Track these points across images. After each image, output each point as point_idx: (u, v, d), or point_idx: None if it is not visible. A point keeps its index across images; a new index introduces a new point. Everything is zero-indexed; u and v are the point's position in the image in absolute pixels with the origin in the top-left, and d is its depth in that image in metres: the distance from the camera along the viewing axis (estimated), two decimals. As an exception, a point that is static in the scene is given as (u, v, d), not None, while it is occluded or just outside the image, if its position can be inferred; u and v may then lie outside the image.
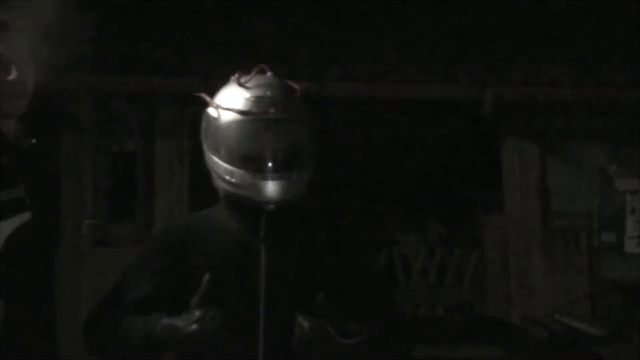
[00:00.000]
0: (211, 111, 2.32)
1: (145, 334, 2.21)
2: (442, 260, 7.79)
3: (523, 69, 7.31)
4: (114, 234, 6.90)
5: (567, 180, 7.28)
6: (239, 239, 2.32)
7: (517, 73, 7.28)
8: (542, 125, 7.32)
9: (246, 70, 2.34)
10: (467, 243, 7.79)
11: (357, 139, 8.02)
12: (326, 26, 7.52)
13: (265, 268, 2.28)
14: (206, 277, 2.18)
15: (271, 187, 2.23)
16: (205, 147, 2.34)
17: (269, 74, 2.36)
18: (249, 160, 2.24)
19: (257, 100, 2.27)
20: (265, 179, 2.23)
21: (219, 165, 2.28)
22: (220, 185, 2.32)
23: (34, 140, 2.26)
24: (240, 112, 2.26)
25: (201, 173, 2.43)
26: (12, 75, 2.18)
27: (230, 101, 2.29)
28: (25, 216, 2.16)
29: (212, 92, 2.37)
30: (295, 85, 2.36)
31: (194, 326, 2.14)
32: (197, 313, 2.15)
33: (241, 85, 2.30)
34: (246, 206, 2.28)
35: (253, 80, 2.32)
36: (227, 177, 2.27)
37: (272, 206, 2.26)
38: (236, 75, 2.33)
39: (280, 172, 2.24)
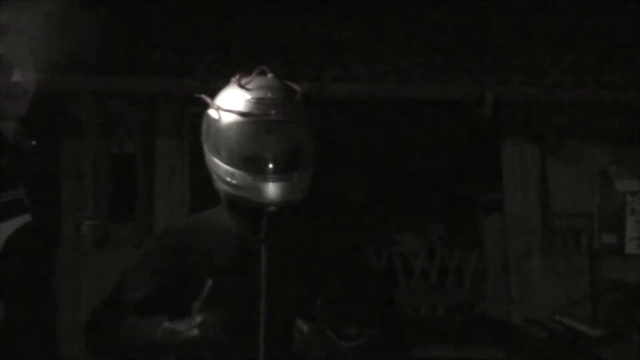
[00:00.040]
0: (212, 112, 2.32)
1: (147, 337, 2.22)
2: (442, 261, 7.79)
3: (523, 69, 7.30)
4: (114, 235, 6.90)
5: (567, 180, 7.27)
6: (239, 241, 2.31)
7: (517, 73, 7.27)
8: (542, 125, 7.31)
9: (247, 72, 2.34)
10: (467, 243, 7.78)
11: (357, 139, 8.01)
12: (326, 27, 7.51)
13: (266, 269, 2.28)
14: (209, 282, 2.18)
15: (272, 189, 2.23)
16: (205, 148, 2.33)
17: (269, 75, 2.36)
18: (250, 162, 2.24)
19: (258, 102, 2.26)
20: (266, 180, 2.23)
21: (220, 166, 2.28)
22: (220, 186, 2.31)
23: (34, 142, 2.26)
24: (241, 114, 2.26)
25: (201, 174, 2.43)
26: (13, 77, 2.18)
27: (231, 103, 2.28)
28: (25, 218, 2.16)
29: (213, 94, 2.36)
30: (296, 87, 2.35)
31: (195, 331, 2.15)
32: (198, 318, 2.16)
33: (242, 86, 2.30)
34: (247, 208, 2.28)
35: (254, 81, 2.31)
36: (228, 179, 2.27)
37: (272, 208, 2.25)
38: (237, 77, 2.33)
39: (280, 173, 2.23)
